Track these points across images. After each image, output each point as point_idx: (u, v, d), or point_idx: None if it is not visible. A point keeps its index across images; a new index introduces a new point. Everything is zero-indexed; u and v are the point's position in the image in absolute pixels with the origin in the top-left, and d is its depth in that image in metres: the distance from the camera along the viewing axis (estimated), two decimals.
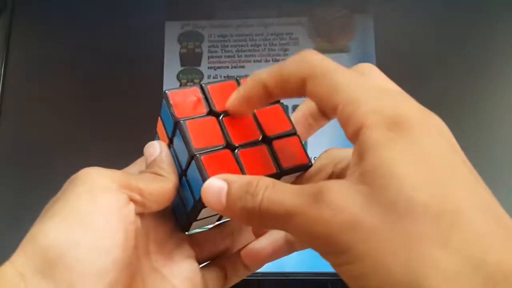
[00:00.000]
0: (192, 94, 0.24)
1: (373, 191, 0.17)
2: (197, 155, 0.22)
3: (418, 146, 0.17)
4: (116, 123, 0.58)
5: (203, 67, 0.60)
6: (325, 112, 0.24)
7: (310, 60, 0.20)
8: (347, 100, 0.19)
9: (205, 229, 0.27)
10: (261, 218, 0.19)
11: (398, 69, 0.58)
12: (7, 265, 0.19)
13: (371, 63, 0.22)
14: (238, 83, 0.25)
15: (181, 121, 0.23)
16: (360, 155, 0.18)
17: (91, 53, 0.60)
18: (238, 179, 0.20)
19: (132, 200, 0.22)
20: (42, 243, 0.19)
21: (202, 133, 0.23)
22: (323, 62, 0.20)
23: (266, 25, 0.61)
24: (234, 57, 0.60)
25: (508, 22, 0.59)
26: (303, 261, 0.51)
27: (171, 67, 0.60)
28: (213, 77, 0.59)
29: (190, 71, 0.60)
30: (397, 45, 0.58)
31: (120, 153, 0.57)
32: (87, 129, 0.58)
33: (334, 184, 0.18)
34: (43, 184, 0.56)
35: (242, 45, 0.60)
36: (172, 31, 0.61)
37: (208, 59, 0.60)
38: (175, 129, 0.23)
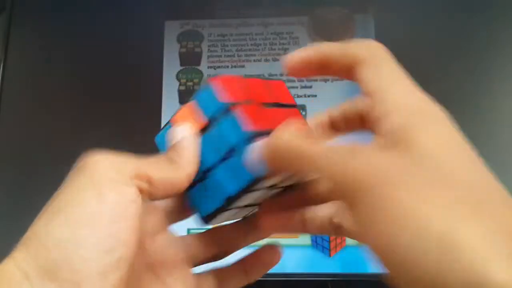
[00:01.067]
0: (238, 81, 0.24)
1: (407, 161, 0.18)
2: (251, 134, 0.22)
3: (449, 131, 0.19)
4: (115, 122, 0.58)
5: (203, 66, 0.59)
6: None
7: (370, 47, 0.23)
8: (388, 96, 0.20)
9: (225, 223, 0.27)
10: (282, 156, 0.20)
11: None
12: (9, 262, 0.18)
13: None
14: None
15: (233, 105, 0.23)
16: (390, 133, 0.19)
17: (90, 52, 0.60)
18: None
19: (139, 189, 0.21)
20: (46, 243, 0.19)
21: (256, 117, 0.23)
22: (381, 52, 0.22)
23: (266, 25, 0.60)
24: (234, 56, 0.59)
25: (509, 23, 0.59)
26: (303, 262, 0.51)
27: (171, 66, 0.59)
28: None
29: (189, 70, 0.59)
30: (397, 45, 0.58)
31: (119, 151, 0.57)
32: (87, 128, 0.58)
33: (365, 146, 0.19)
34: (43, 184, 0.56)
35: (242, 45, 0.60)
36: (171, 31, 0.60)
37: (208, 58, 0.60)
38: (222, 114, 0.23)
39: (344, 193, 0.18)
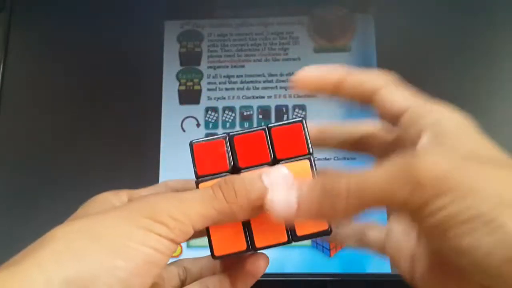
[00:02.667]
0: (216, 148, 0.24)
1: (463, 154, 0.20)
2: None
3: (484, 137, 0.22)
4: (115, 122, 0.58)
5: (203, 66, 0.59)
6: (387, 115, 0.25)
7: (392, 77, 0.24)
8: (420, 102, 0.23)
9: None
10: (351, 201, 0.20)
11: (398, 69, 0.58)
12: (34, 269, 0.19)
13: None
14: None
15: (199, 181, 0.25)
16: (437, 135, 0.21)
17: (90, 52, 0.60)
18: (309, 180, 0.21)
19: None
20: (80, 261, 0.19)
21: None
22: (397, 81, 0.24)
23: (266, 24, 0.60)
24: (234, 56, 0.59)
25: (509, 23, 0.58)
26: (303, 262, 0.51)
27: (171, 66, 0.59)
28: (213, 77, 0.59)
29: (189, 70, 0.59)
30: (397, 45, 0.58)
31: (119, 151, 0.57)
32: (87, 128, 0.58)
33: (422, 146, 0.21)
34: (42, 184, 0.56)
35: (242, 44, 0.60)
36: (171, 30, 0.60)
37: (208, 58, 0.60)
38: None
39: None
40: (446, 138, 0.21)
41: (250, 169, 0.24)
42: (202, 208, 0.22)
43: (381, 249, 0.26)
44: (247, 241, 0.24)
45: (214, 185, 0.22)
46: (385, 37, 0.58)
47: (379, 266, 0.50)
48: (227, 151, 0.24)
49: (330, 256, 0.51)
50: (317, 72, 0.24)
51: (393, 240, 0.25)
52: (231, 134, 0.24)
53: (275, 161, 0.24)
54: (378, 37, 0.58)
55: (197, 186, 0.24)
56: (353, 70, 0.24)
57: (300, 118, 0.24)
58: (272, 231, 0.24)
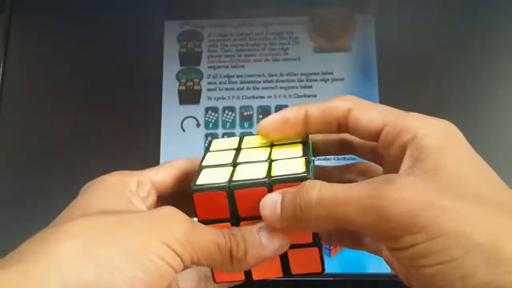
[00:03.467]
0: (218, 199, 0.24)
1: (440, 184, 0.19)
2: None
3: (469, 152, 0.22)
4: (115, 122, 0.58)
5: (203, 66, 0.59)
6: (363, 134, 0.25)
7: (355, 97, 0.24)
8: (398, 117, 0.23)
9: None
10: (318, 212, 0.20)
11: (398, 69, 0.58)
12: (53, 273, 0.18)
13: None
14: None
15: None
16: (417, 158, 0.21)
17: (90, 52, 0.60)
18: (292, 189, 0.22)
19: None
20: (86, 262, 0.19)
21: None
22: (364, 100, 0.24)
23: (266, 24, 0.60)
24: (234, 56, 0.59)
25: (509, 23, 0.58)
26: None
27: (171, 66, 0.59)
28: (213, 77, 0.59)
29: (189, 70, 0.59)
30: (398, 45, 0.58)
31: (119, 150, 0.57)
32: (87, 128, 0.58)
33: (400, 175, 0.21)
34: (42, 184, 0.56)
35: (242, 44, 0.60)
36: (171, 30, 0.60)
37: (208, 58, 0.60)
38: None
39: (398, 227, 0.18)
40: (426, 160, 0.20)
41: (249, 219, 0.24)
42: (211, 249, 0.22)
43: (378, 253, 0.26)
44: (245, 273, 0.25)
45: (228, 238, 0.23)
46: (385, 37, 0.58)
47: (379, 266, 0.50)
48: (228, 202, 0.24)
49: (330, 256, 0.51)
50: (279, 118, 0.24)
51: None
52: (231, 185, 0.23)
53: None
54: (378, 37, 0.58)
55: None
56: (309, 103, 0.24)
57: (305, 174, 0.22)
58: (269, 266, 0.25)
